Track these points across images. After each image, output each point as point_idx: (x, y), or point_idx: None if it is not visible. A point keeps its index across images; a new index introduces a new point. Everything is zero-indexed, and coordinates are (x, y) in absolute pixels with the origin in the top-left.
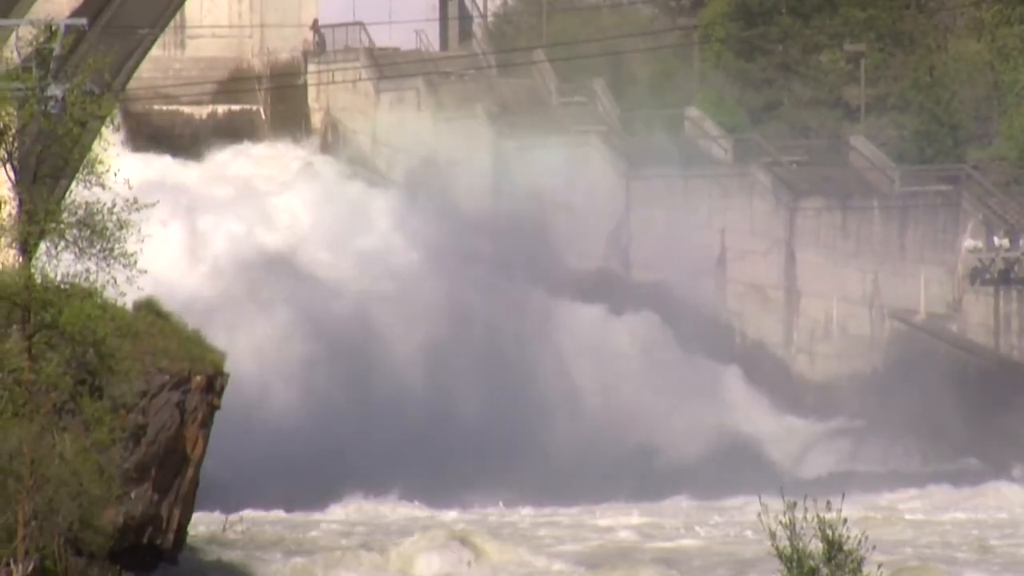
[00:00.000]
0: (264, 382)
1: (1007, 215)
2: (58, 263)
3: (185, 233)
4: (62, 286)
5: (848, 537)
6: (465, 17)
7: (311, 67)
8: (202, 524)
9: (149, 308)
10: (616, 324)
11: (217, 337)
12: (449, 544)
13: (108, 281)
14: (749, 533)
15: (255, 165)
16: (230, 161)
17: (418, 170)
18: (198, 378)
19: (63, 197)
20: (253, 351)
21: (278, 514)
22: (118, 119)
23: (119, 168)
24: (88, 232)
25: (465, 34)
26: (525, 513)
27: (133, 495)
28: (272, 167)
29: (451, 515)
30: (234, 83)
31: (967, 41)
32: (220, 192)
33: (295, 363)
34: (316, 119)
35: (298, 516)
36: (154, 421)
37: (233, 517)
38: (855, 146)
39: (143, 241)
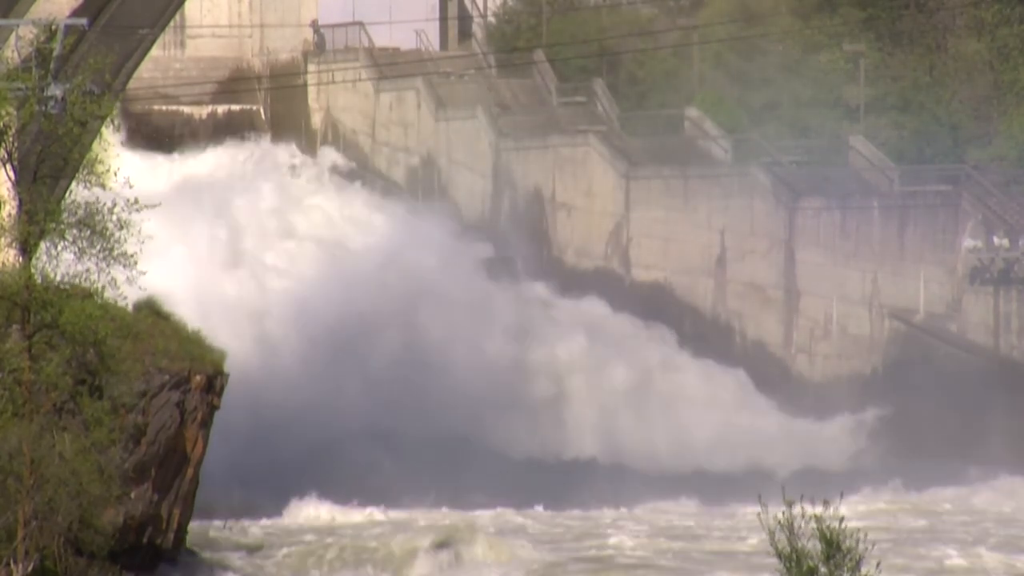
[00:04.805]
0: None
1: (1007, 215)
2: (58, 263)
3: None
4: (62, 286)
5: (847, 534)
6: (465, 17)
7: (311, 67)
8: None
9: (149, 308)
10: (616, 323)
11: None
12: (446, 544)
13: (108, 281)
14: (751, 536)
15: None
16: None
17: (418, 170)
18: (198, 378)
19: (63, 197)
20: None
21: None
22: (119, 118)
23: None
24: (88, 232)
25: (465, 34)
26: (525, 514)
27: (133, 495)
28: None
29: (451, 516)
30: (234, 83)
31: (967, 41)
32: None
33: (293, 360)
34: (316, 119)
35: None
36: (154, 421)
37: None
38: (855, 146)
39: (143, 243)
